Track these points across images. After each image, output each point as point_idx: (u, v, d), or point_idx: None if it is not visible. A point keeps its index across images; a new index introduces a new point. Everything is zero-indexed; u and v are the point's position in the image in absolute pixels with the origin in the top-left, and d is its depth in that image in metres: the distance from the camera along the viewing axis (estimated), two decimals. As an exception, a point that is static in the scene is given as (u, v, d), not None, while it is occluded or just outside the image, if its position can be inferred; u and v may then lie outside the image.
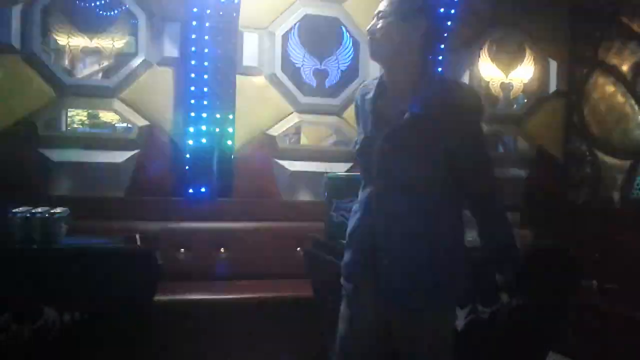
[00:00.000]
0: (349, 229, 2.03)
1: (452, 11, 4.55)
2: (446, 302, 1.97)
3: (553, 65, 5.17)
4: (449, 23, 4.45)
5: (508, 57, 5.04)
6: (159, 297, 2.89)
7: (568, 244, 3.61)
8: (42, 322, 2.48)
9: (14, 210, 2.64)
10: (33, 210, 2.65)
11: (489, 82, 5.01)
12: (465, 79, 4.93)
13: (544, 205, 4.79)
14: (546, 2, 4.99)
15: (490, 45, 5.00)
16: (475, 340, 3.15)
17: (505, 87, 5.05)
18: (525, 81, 5.09)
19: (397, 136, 1.81)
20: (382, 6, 1.87)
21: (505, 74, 5.04)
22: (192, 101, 4.18)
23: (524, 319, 3.24)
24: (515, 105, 5.13)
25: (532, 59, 5.08)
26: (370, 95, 1.93)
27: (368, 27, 1.91)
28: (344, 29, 4.67)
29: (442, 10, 4.23)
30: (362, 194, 1.97)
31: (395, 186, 1.84)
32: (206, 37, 4.18)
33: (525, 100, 5.15)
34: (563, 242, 3.71)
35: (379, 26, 1.84)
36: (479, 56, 4.98)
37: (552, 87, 5.18)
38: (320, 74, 4.66)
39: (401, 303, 1.89)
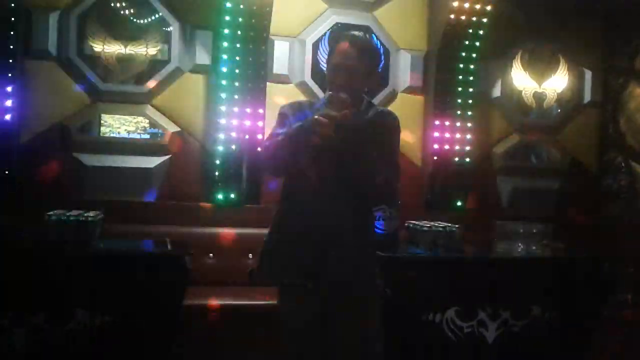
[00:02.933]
0: (291, 229, 2.24)
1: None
2: (376, 288, 2.31)
3: (588, 75, 5.08)
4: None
5: (541, 66, 4.98)
6: (188, 302, 2.90)
7: (602, 257, 3.52)
8: (74, 324, 2.51)
9: (49, 213, 2.69)
10: (67, 213, 2.69)
11: (521, 91, 4.95)
12: (498, 88, 4.88)
13: (578, 217, 4.69)
14: (581, 11, 4.91)
15: (524, 54, 4.95)
16: (505, 354, 3.09)
17: (538, 97, 4.98)
18: (559, 91, 5.01)
19: (352, 145, 2.13)
20: (348, 59, 2.21)
21: (539, 84, 4.97)
22: (223, 108, 4.21)
23: (556, 332, 3.18)
24: (548, 116, 5.04)
25: (566, 68, 5.01)
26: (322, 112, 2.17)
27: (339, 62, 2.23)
28: (374, 37, 4.67)
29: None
30: (302, 195, 2.21)
31: (345, 187, 2.17)
32: (238, 45, 4.21)
33: (559, 111, 5.06)
34: (597, 255, 3.62)
35: (351, 65, 2.20)
36: (512, 65, 4.92)
37: (587, 97, 5.09)
38: (350, 82, 4.64)
39: (348, 291, 2.19)
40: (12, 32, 3.92)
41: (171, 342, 2.71)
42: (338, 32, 4.47)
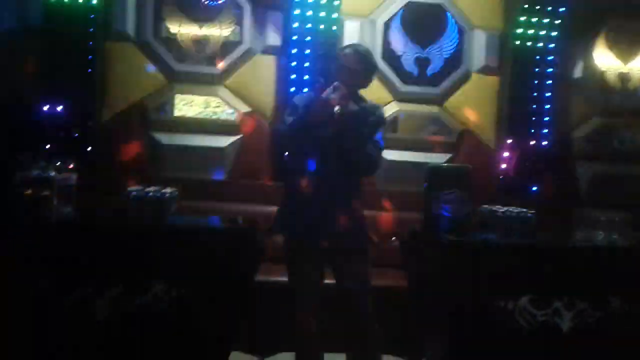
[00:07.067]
0: (298, 195, 2.79)
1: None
2: (367, 243, 2.95)
3: (678, 54, 4.74)
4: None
5: (627, 45, 4.67)
6: (259, 278, 2.96)
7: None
8: (151, 295, 2.61)
9: (128, 189, 2.79)
10: (146, 190, 2.78)
11: (605, 72, 4.68)
12: (579, 68, 4.64)
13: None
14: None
15: (608, 32, 4.66)
16: (580, 345, 2.97)
17: (623, 78, 4.69)
18: (647, 71, 4.70)
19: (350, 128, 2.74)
20: (351, 63, 2.83)
21: (624, 64, 4.68)
22: (293, 89, 4.23)
23: (637, 326, 3.02)
24: (634, 98, 4.73)
25: (654, 47, 4.69)
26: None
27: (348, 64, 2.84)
28: (448, 15, 4.54)
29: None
30: (305, 169, 2.77)
31: (340, 161, 2.74)
32: (308, 26, 4.21)
33: (647, 92, 4.75)
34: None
35: (352, 68, 2.83)
36: (595, 44, 4.66)
37: (678, 78, 4.75)
38: (423, 62, 4.55)
39: (346, 245, 2.81)
40: (93, 15, 4.08)
41: (242, 316, 2.78)
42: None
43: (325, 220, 2.76)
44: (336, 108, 2.65)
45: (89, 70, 4.07)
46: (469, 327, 2.89)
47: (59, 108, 4.00)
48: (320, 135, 2.72)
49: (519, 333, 2.91)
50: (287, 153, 2.97)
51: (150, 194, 2.74)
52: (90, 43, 4.07)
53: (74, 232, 2.73)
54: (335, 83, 2.69)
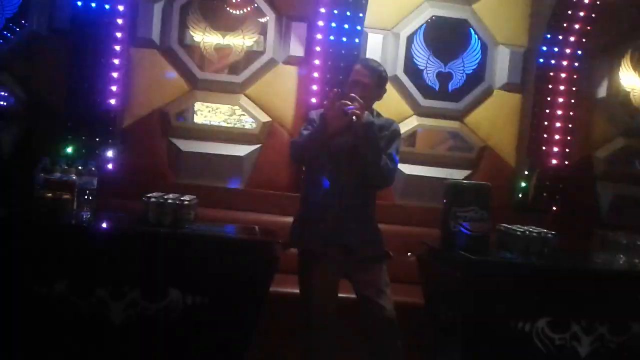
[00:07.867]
0: (313, 207, 2.90)
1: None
2: (383, 253, 2.96)
3: None
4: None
5: (653, 66, 4.62)
6: (273, 289, 2.95)
7: None
8: (167, 302, 2.62)
9: (147, 195, 2.80)
10: (165, 196, 2.79)
11: (629, 92, 4.62)
12: (603, 88, 4.59)
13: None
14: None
15: (634, 52, 4.61)
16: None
17: (649, 99, 4.63)
18: (672, 93, 4.63)
19: (365, 138, 2.78)
20: (362, 77, 2.90)
21: (650, 84, 4.62)
22: (313, 100, 4.23)
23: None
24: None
25: (680, 69, 4.62)
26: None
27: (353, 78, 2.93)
28: (472, 31, 4.52)
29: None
30: (320, 182, 2.85)
31: (355, 173, 2.82)
32: (331, 37, 4.21)
33: (672, 114, 4.68)
34: None
35: (364, 82, 2.90)
36: (620, 64, 4.61)
37: None
38: (444, 77, 4.54)
39: (361, 255, 2.85)
40: (120, 21, 4.12)
41: (255, 327, 2.77)
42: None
43: (340, 231, 2.81)
44: (352, 117, 2.71)
45: (114, 74, 4.09)
46: (484, 348, 2.85)
47: (83, 111, 4.03)
48: (336, 146, 2.79)
49: (535, 356, 2.87)
50: (303, 165, 3.06)
51: (170, 200, 2.75)
52: (117, 47, 4.10)
53: (93, 235, 2.74)
54: (352, 94, 2.76)
